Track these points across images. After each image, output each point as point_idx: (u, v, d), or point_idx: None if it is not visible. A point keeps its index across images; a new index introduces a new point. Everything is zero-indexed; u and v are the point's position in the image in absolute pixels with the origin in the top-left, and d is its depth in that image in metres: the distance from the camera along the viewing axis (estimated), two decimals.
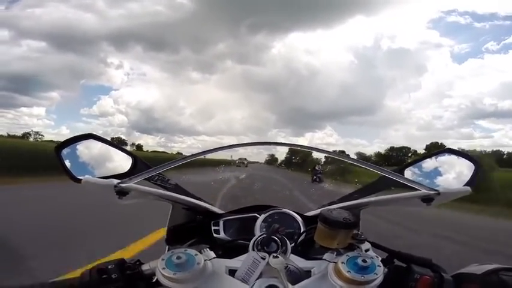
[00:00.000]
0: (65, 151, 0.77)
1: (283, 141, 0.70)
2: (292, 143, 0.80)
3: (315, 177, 13.07)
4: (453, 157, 0.85)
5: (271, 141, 0.69)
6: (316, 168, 13.71)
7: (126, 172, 0.80)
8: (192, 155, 0.67)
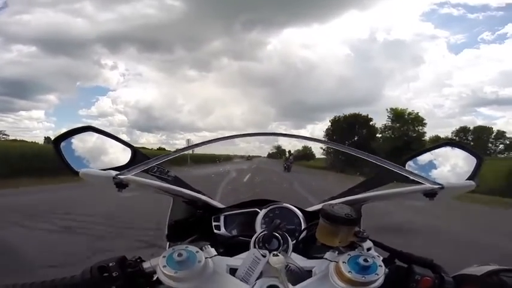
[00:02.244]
0: (63, 143, 0.76)
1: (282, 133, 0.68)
2: (290, 133, 0.79)
3: (285, 165, 14.83)
4: (454, 150, 0.84)
5: (271, 131, 0.68)
6: (288, 156, 15.93)
7: (125, 164, 0.79)
8: (190, 146, 0.66)
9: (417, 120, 25.42)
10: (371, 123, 27.47)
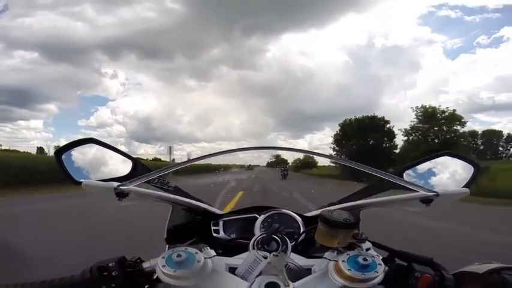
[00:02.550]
0: (65, 155, 0.77)
1: (282, 145, 0.70)
2: (289, 147, 0.82)
3: (282, 173, 17.47)
4: (452, 159, 0.85)
5: (271, 145, 0.69)
6: (283, 167, 19.02)
7: (126, 175, 0.80)
8: (191, 160, 0.67)
9: (453, 119, 20.43)
10: (388, 125, 24.04)
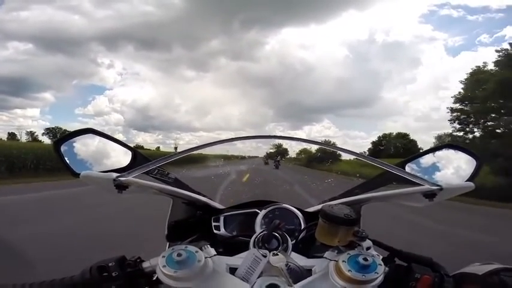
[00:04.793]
0: (64, 146, 0.76)
1: (281, 135, 0.69)
2: (289, 136, 0.80)
3: (274, 164, 17.15)
4: (454, 152, 0.84)
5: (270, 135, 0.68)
6: (276, 159, 18.84)
7: (125, 166, 0.80)
8: (190, 149, 0.66)
9: None
10: None
